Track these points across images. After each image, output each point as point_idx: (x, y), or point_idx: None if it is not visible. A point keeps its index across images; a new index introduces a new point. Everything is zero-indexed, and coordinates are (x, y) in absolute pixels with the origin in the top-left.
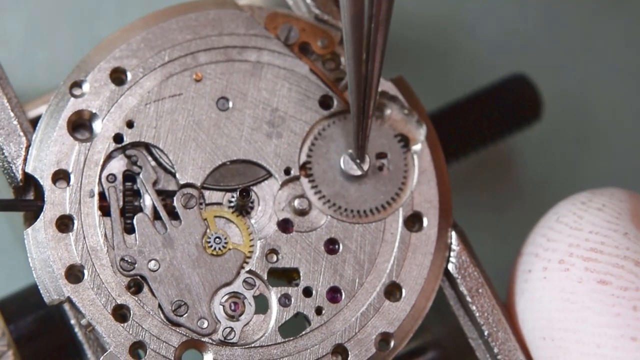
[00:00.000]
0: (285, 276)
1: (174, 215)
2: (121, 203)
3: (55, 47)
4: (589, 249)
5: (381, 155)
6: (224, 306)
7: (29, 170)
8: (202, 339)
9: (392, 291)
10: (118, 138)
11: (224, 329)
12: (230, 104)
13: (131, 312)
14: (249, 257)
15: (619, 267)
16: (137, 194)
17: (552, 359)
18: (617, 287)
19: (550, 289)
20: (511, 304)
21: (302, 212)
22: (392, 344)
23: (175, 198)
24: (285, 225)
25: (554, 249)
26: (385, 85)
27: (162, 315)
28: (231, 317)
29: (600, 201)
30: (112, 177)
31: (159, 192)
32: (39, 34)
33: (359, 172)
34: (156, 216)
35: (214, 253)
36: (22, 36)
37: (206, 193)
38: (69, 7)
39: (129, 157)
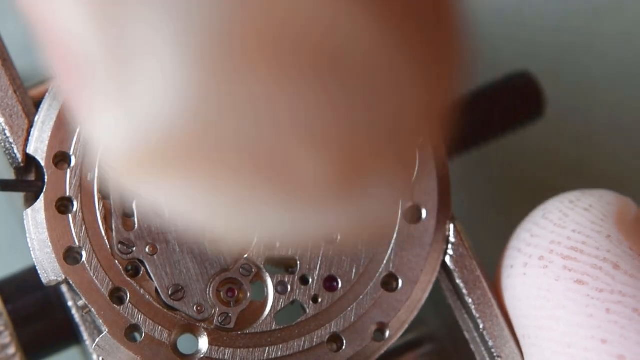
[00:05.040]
0: (282, 264)
1: None
2: None
3: None
4: (569, 248)
5: None
6: (220, 292)
7: (30, 151)
8: (198, 324)
9: (389, 282)
10: None
11: (220, 315)
12: None
13: (128, 295)
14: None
15: (597, 268)
16: None
17: (528, 356)
18: (592, 288)
19: (529, 286)
20: (498, 300)
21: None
22: (387, 334)
23: None
24: None
25: (535, 244)
26: None
27: (158, 299)
28: (227, 303)
29: (589, 201)
30: None
31: None
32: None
33: None
34: None
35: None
36: (22, 36)
37: None
38: None
39: None
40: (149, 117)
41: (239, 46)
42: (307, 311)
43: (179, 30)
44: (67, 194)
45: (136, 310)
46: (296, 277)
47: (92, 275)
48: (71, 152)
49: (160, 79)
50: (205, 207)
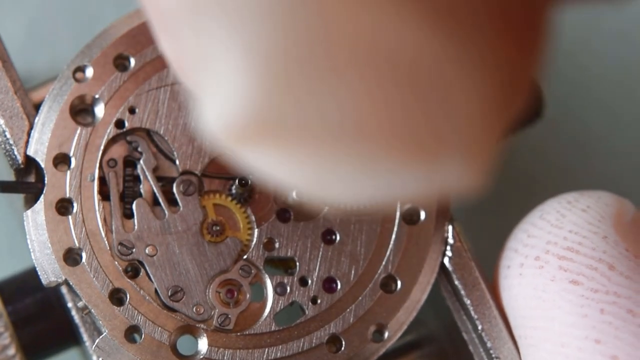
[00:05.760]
0: (282, 265)
1: (173, 201)
2: (121, 188)
3: (55, 48)
4: (565, 248)
5: None
6: (220, 293)
7: (30, 153)
8: (198, 325)
9: (388, 283)
10: (119, 123)
11: (220, 316)
12: None
13: (127, 296)
14: (247, 245)
15: (592, 268)
16: (137, 180)
17: (525, 357)
18: (587, 288)
19: (525, 286)
20: (496, 300)
21: (300, 202)
22: (386, 335)
23: (174, 185)
24: (283, 215)
25: (532, 245)
26: None
27: (158, 300)
28: (227, 304)
29: (586, 202)
30: (112, 162)
31: (159, 179)
32: (39, 35)
33: None
34: (155, 202)
35: (212, 240)
36: (22, 36)
37: (206, 181)
38: (69, 8)
39: (130, 142)
40: (229, 109)
41: (320, 54)
42: (306, 312)
43: (244, 40)
44: (67, 195)
45: (136, 312)
46: (295, 278)
47: (92, 276)
48: (71, 154)
49: (231, 80)
50: (292, 170)
